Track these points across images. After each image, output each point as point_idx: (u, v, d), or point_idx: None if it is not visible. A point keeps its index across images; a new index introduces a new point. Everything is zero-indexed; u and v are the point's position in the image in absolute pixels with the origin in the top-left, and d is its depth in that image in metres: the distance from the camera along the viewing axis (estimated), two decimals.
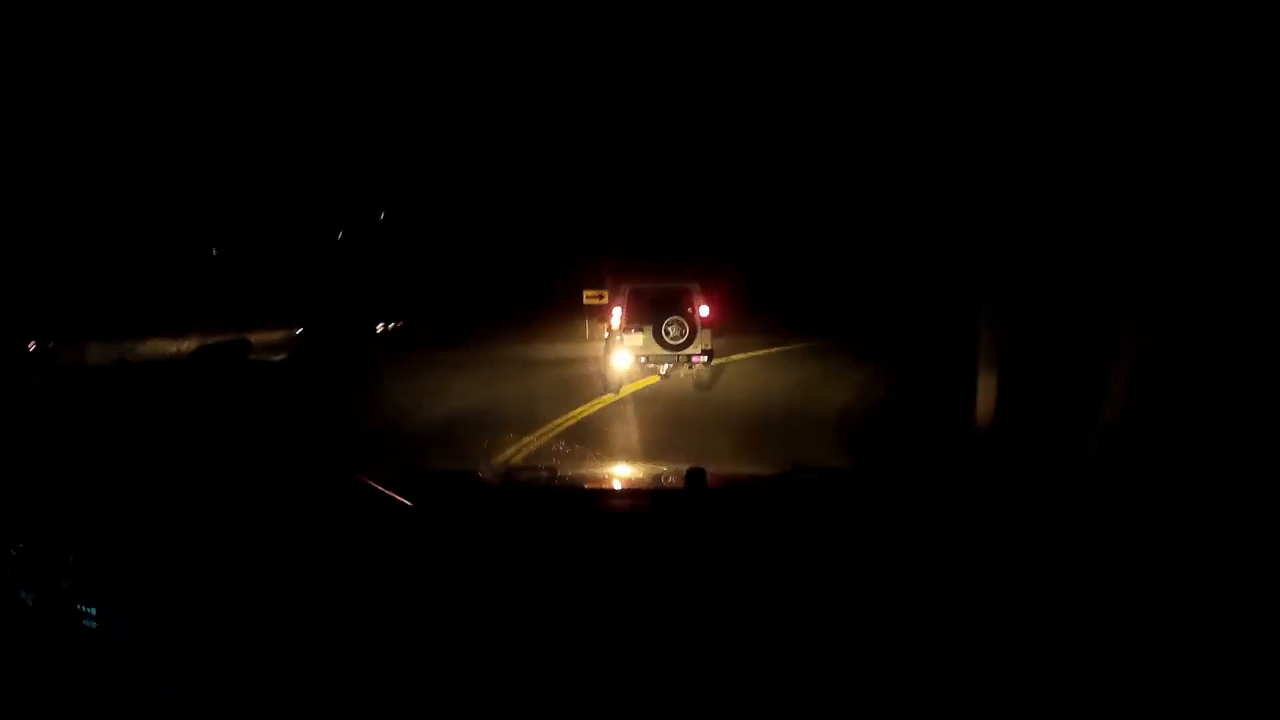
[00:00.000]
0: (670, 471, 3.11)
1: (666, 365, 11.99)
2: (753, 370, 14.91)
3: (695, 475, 2.45)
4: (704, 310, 11.93)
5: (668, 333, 11.66)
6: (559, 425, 9.36)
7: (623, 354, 11.67)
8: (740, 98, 26.20)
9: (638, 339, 11.70)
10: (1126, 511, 2.14)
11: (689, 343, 11.76)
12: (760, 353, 17.15)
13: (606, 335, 13.18)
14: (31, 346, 13.71)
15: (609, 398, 11.35)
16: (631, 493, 3.02)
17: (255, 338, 14.86)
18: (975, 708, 1.59)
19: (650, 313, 11.75)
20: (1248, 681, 1.53)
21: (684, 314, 11.81)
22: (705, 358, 11.96)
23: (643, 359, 11.77)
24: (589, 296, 16.44)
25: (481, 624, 1.80)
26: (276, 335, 17.26)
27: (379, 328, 21.78)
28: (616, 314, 11.79)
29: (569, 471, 3.33)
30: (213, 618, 1.88)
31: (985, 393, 8.41)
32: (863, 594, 1.84)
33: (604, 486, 3.22)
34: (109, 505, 2.33)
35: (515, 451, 6.68)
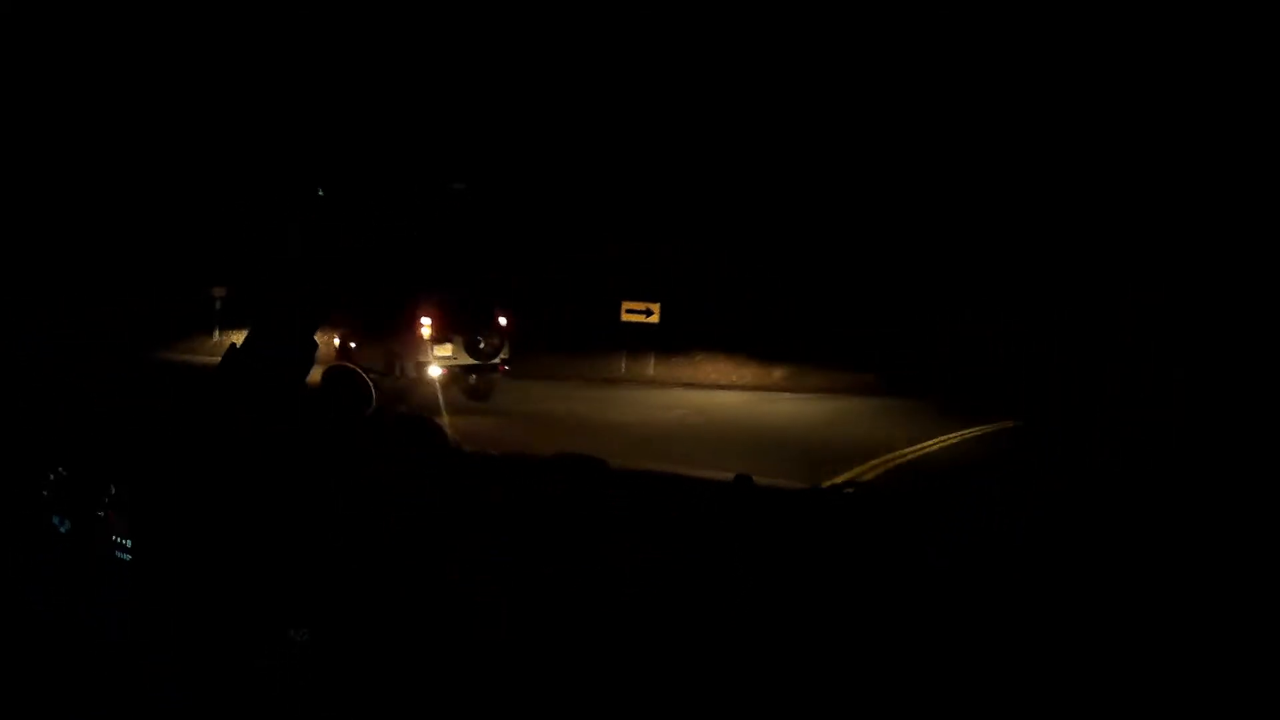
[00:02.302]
0: (713, 476, 3.05)
1: (473, 375, 12.77)
2: None
3: (743, 481, 2.44)
4: (502, 321, 12.87)
5: (478, 344, 12.52)
6: None
7: (434, 366, 12.33)
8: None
9: (447, 349, 12.40)
10: (1126, 511, 2.14)
11: (497, 353, 12.74)
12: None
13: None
14: None
15: None
16: (675, 490, 2.96)
17: None
18: (975, 709, 1.59)
19: (457, 324, 12.49)
20: (1249, 682, 1.54)
21: (493, 326, 12.75)
22: (506, 366, 12.98)
23: (459, 369, 12.49)
24: (629, 310, 16.62)
25: (481, 624, 1.80)
26: None
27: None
28: (425, 325, 12.36)
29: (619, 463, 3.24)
30: (212, 613, 1.88)
31: None
32: (867, 597, 1.84)
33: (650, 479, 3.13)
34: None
35: None
